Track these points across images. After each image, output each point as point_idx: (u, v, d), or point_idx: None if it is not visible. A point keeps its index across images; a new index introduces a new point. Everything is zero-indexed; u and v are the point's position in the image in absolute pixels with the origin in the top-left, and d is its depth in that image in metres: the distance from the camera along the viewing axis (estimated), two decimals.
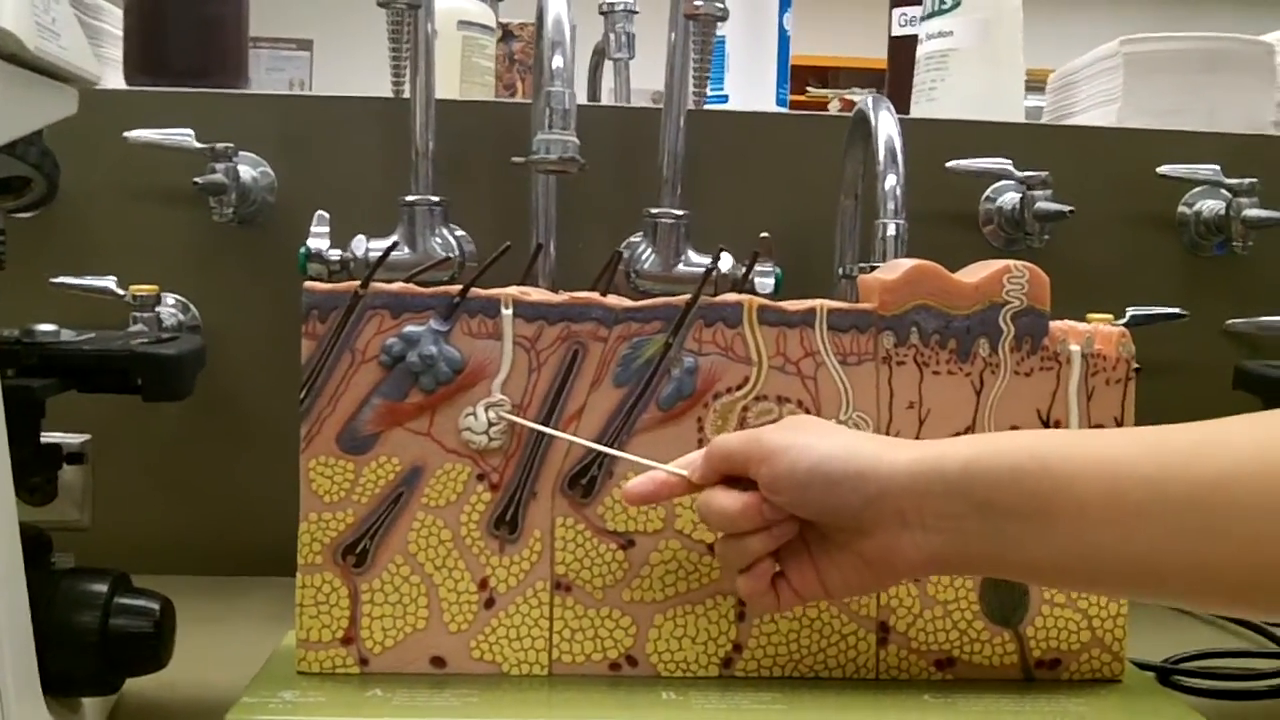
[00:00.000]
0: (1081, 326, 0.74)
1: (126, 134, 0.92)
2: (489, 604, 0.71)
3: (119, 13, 1.07)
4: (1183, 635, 0.88)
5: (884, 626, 0.73)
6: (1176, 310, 1.03)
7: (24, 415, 0.60)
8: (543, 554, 0.71)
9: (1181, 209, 1.08)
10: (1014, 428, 0.72)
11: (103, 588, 0.59)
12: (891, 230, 0.85)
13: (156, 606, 0.59)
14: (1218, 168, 1.04)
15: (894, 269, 0.74)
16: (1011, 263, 0.73)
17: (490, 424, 0.70)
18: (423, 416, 0.70)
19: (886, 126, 0.87)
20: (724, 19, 0.85)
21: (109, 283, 0.92)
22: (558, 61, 0.82)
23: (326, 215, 0.92)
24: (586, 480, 0.71)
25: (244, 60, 1.07)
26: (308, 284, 0.70)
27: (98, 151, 0.96)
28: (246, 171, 0.96)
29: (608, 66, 1.41)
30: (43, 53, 0.58)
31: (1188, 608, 0.56)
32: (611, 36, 1.34)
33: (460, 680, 0.70)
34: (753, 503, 0.60)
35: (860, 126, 0.91)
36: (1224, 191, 1.06)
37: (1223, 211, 1.06)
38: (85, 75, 0.65)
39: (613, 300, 0.72)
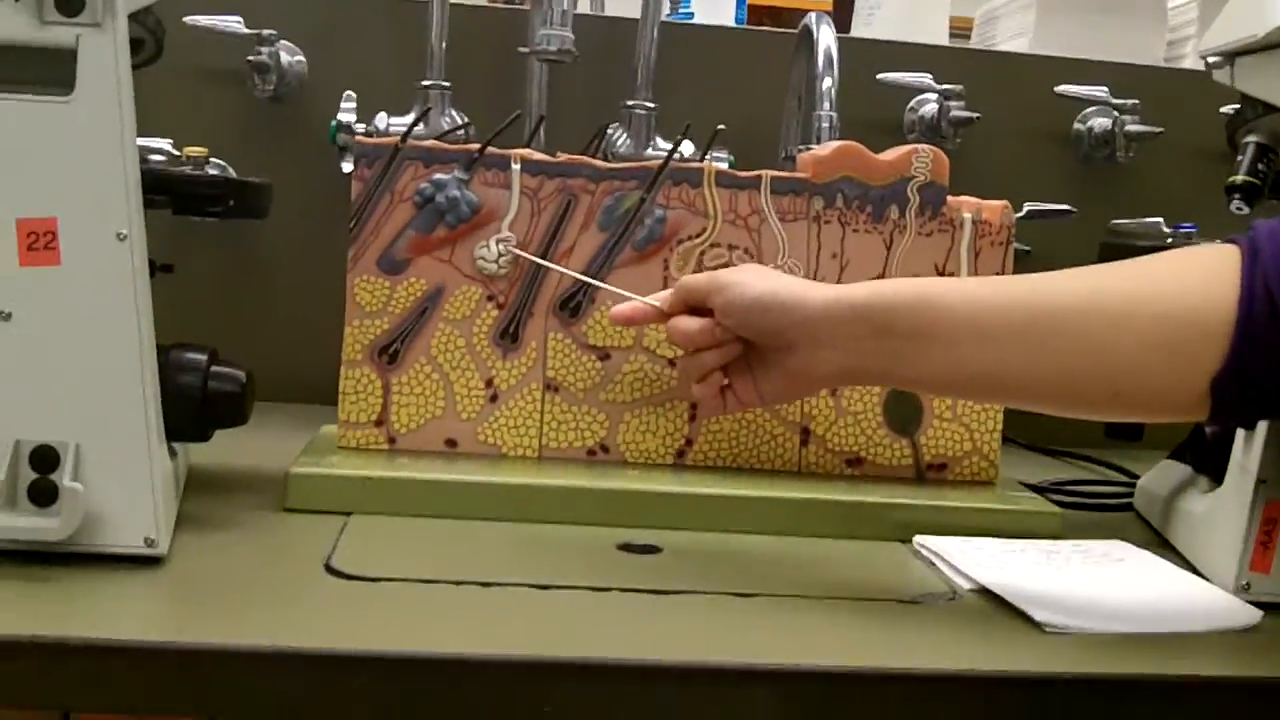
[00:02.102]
0: (972, 200, 0.93)
1: (186, 18, 1.08)
2: (493, 399, 0.89)
3: None
4: (1056, 472, 1.09)
5: (805, 430, 0.92)
6: (1066, 207, 1.22)
7: None
8: (537, 361, 0.89)
9: (1076, 125, 1.27)
10: (916, 275, 0.91)
11: (202, 358, 0.76)
12: (826, 122, 1.03)
13: (243, 374, 0.77)
14: (1107, 90, 1.23)
15: (825, 148, 0.92)
16: (919, 145, 0.91)
17: (500, 255, 0.88)
18: (446, 247, 0.88)
19: (826, 38, 1.05)
20: None
21: (166, 144, 1.08)
22: None
23: (354, 94, 1.09)
24: (574, 305, 0.89)
25: None
26: (359, 138, 0.88)
27: None
28: (285, 56, 1.12)
29: None
30: None
31: (1029, 408, 0.73)
32: None
33: (468, 457, 0.88)
34: (708, 325, 0.77)
35: (805, 39, 1.09)
36: (1113, 111, 1.25)
37: (1110, 127, 1.25)
38: None
39: (599, 163, 0.90)
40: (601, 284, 0.88)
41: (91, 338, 0.68)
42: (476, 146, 0.88)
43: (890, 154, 0.92)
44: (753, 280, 0.76)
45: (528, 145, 0.92)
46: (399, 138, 0.87)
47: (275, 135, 1.16)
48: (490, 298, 0.89)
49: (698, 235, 0.90)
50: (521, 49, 0.98)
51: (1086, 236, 1.23)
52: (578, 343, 0.90)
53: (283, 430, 0.99)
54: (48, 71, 0.70)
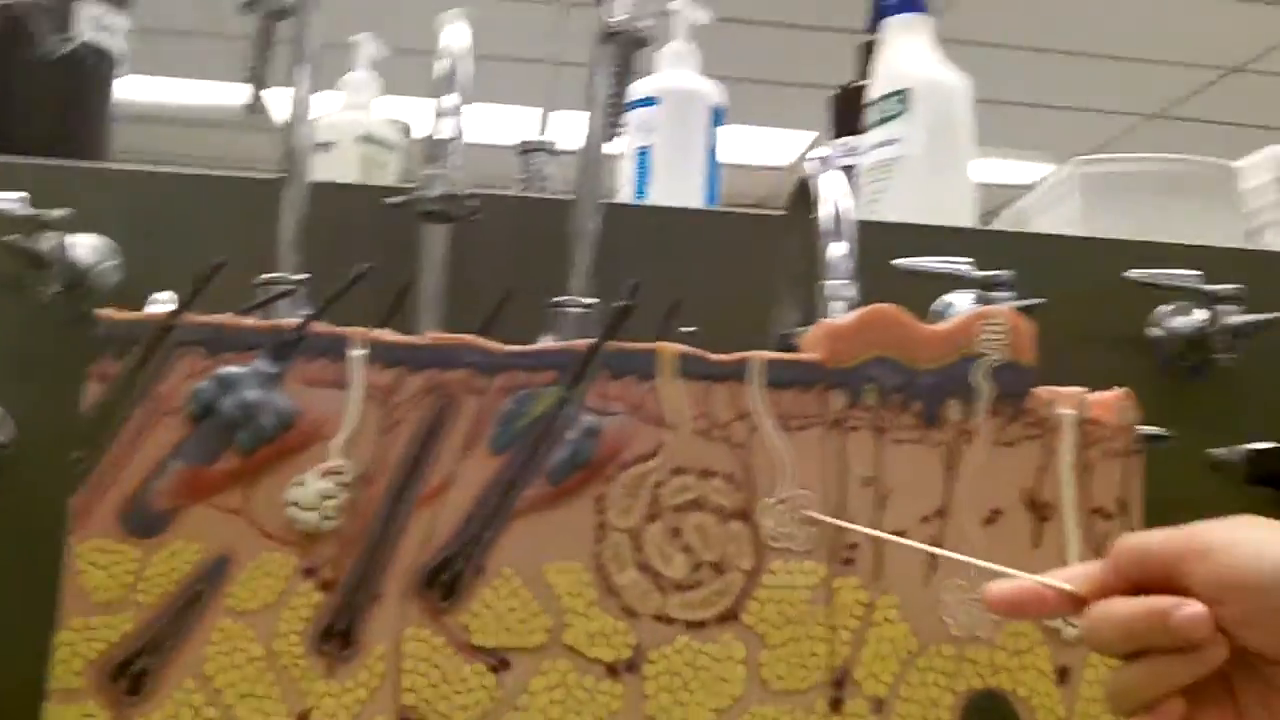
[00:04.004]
0: (1072, 390, 0.60)
1: None
2: None
3: None
4: None
5: None
6: (1160, 430, 0.89)
7: None
8: (385, 678, 0.54)
9: (1152, 330, 0.96)
10: (996, 510, 0.58)
11: None
12: (841, 298, 0.70)
13: None
14: (1200, 273, 0.93)
15: (845, 317, 0.60)
16: (988, 308, 0.59)
17: (324, 498, 0.54)
18: (235, 488, 0.54)
19: (835, 189, 0.74)
20: (646, 44, 0.73)
21: None
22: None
23: (163, 296, 0.77)
24: (449, 576, 0.55)
25: (104, 139, 0.95)
26: (101, 311, 0.55)
27: None
28: (85, 249, 0.80)
29: None
30: None
31: None
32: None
33: None
34: (1190, 613, 0.43)
35: (801, 201, 0.79)
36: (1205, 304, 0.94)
37: (1201, 325, 0.94)
38: None
39: (493, 344, 0.57)
40: (978, 561, 0.50)
41: None
42: (293, 322, 0.55)
43: (943, 322, 0.60)
44: (1265, 536, 0.44)
45: (386, 324, 0.59)
46: (167, 313, 0.55)
47: (70, 359, 0.83)
48: (309, 572, 0.54)
49: (649, 456, 0.56)
50: (391, 200, 0.68)
51: (1180, 468, 0.92)
52: (455, 643, 0.54)
53: None
54: None
